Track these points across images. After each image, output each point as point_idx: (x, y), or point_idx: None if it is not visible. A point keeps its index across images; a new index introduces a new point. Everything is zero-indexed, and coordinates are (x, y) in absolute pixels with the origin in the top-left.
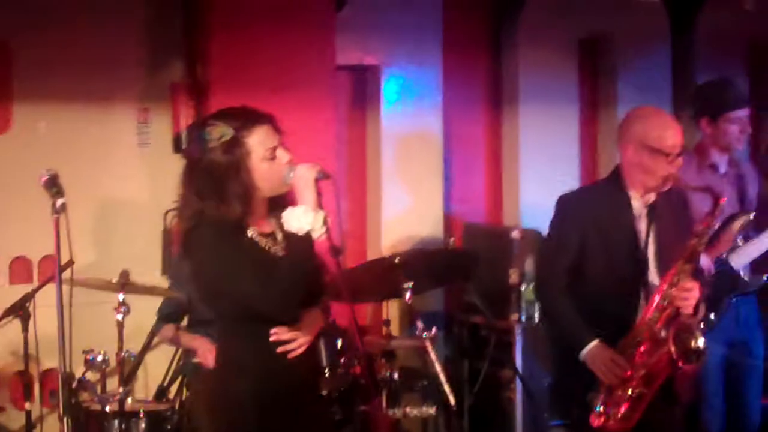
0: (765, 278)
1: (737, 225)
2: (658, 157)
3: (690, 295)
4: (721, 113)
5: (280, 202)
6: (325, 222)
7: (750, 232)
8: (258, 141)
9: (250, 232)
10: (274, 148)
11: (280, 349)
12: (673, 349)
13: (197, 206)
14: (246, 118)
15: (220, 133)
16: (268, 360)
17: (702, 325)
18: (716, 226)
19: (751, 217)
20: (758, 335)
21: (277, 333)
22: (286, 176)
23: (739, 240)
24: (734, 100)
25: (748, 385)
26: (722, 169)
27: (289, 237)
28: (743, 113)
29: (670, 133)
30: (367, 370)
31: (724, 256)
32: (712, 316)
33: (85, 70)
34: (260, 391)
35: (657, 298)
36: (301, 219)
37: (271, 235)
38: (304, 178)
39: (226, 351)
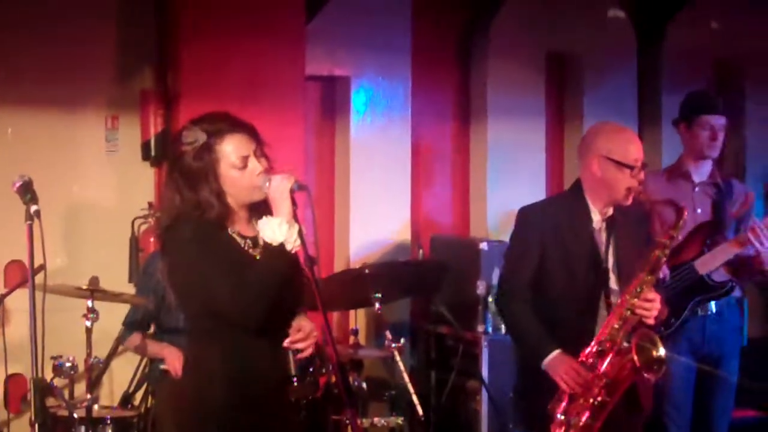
0: (732, 285)
1: (706, 234)
2: (622, 170)
3: (652, 305)
4: (694, 117)
5: (264, 207)
6: (300, 235)
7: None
8: (230, 149)
9: (230, 231)
10: (246, 157)
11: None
12: (636, 358)
13: (177, 206)
14: (221, 125)
15: (193, 137)
16: (238, 367)
17: (663, 329)
18: (680, 238)
19: (721, 226)
20: (733, 350)
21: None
22: (261, 185)
23: (705, 248)
24: (706, 106)
25: (717, 400)
26: (697, 178)
27: (266, 245)
28: (715, 120)
29: (633, 147)
30: (340, 379)
31: (690, 261)
32: (672, 319)
33: (54, 76)
34: (229, 398)
35: (619, 309)
36: (275, 231)
37: (253, 239)
38: (279, 189)
39: (196, 356)
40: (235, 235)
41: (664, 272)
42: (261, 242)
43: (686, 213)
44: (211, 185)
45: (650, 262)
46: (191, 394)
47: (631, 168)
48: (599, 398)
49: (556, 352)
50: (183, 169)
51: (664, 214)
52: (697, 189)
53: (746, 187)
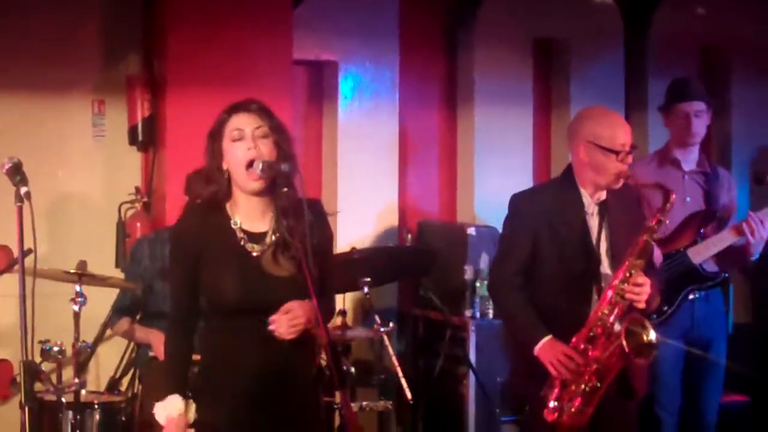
0: (724, 275)
1: (700, 223)
2: (609, 155)
3: (642, 289)
4: (670, 106)
5: (291, 203)
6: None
7: (718, 230)
8: (233, 125)
9: (233, 224)
10: (241, 131)
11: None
12: (625, 343)
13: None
14: (234, 106)
15: (218, 120)
16: (217, 351)
17: (656, 317)
18: (667, 222)
19: (716, 217)
20: (720, 335)
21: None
22: (255, 166)
23: (699, 237)
24: (680, 94)
25: (706, 384)
26: (686, 166)
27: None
28: (689, 107)
29: (620, 132)
30: (332, 360)
31: (683, 249)
32: (665, 307)
33: (40, 61)
34: (209, 385)
35: (609, 293)
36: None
37: (256, 235)
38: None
39: (203, 346)
40: (236, 229)
41: (658, 259)
42: (269, 239)
43: (674, 196)
44: (217, 159)
45: (639, 246)
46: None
47: (618, 153)
48: (590, 384)
49: (547, 339)
50: (206, 149)
51: (652, 198)
52: (686, 177)
53: (729, 174)
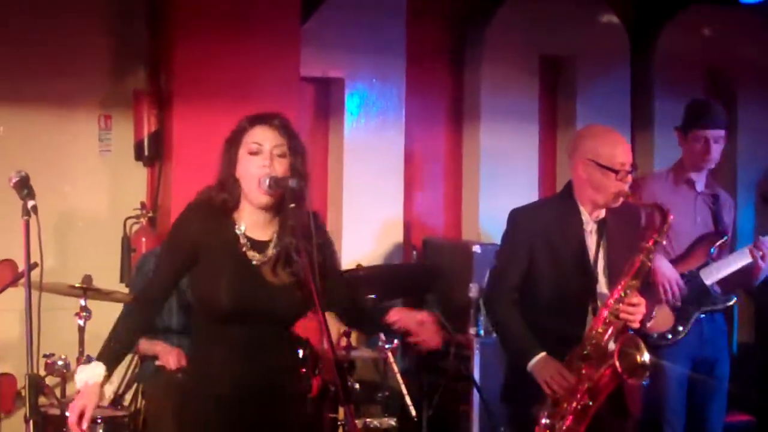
0: (734, 297)
1: (709, 244)
2: (608, 174)
3: (636, 310)
4: (688, 129)
5: (297, 220)
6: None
7: (722, 253)
8: (253, 137)
9: (237, 229)
10: (260, 145)
11: None
12: (617, 363)
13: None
14: (257, 116)
15: (239, 125)
16: (230, 363)
17: (670, 336)
18: (664, 243)
19: (724, 240)
20: (724, 355)
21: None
22: (262, 182)
23: (710, 259)
24: (702, 119)
25: (711, 404)
26: (699, 187)
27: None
28: (709, 133)
29: (620, 150)
30: (338, 376)
31: (695, 270)
32: (680, 327)
33: (47, 75)
34: (221, 395)
35: (605, 313)
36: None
37: (260, 243)
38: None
39: (192, 355)
40: (240, 234)
41: (678, 280)
42: (271, 250)
43: (671, 217)
44: (231, 167)
45: (635, 266)
46: (186, 391)
47: (617, 172)
48: (582, 402)
49: (541, 355)
50: (222, 152)
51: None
52: (698, 198)
53: (730, 197)
